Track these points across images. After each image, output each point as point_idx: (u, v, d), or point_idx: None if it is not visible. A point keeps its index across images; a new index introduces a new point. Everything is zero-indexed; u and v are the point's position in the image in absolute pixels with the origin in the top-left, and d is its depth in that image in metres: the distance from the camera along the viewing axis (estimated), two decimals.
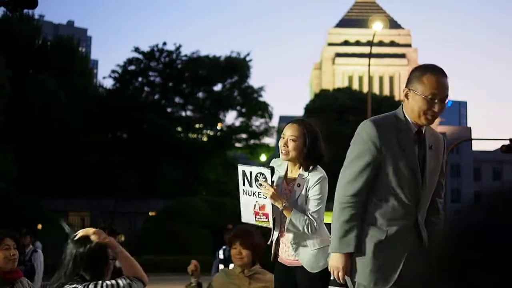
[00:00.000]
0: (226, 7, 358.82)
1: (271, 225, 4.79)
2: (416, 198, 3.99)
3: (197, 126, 53.85)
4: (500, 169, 74.90)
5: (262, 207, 4.81)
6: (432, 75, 3.95)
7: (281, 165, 4.93)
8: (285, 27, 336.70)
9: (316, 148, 4.76)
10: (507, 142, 25.20)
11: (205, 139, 53.90)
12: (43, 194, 38.20)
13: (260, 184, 4.77)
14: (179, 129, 52.91)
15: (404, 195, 3.97)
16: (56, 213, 35.28)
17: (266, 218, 4.79)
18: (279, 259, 4.93)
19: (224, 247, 11.52)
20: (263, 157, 46.98)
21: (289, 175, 4.88)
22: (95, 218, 42.73)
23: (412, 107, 3.98)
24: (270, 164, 4.95)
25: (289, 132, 4.80)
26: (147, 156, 46.84)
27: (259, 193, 4.81)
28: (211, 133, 54.45)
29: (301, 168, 4.80)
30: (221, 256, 11.52)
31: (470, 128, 76.72)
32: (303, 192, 4.73)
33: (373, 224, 3.99)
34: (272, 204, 4.73)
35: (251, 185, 4.86)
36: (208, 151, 50.19)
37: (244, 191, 4.91)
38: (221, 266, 11.42)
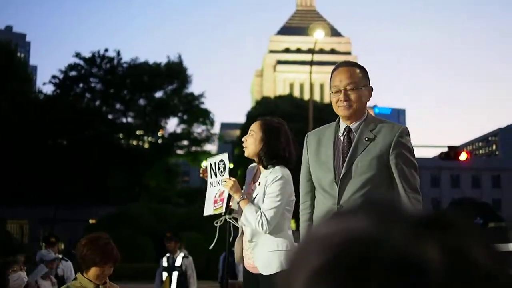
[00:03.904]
0: (166, 14, 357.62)
1: (223, 209, 4.72)
2: (336, 191, 4.01)
3: (138, 132, 53.37)
4: (439, 175, 76.35)
5: (221, 193, 4.80)
6: (335, 71, 4.14)
7: (254, 166, 4.89)
8: (226, 34, 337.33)
9: (273, 144, 4.65)
10: (446, 149, 25.76)
11: (146, 146, 53.49)
12: None
13: (221, 172, 4.83)
14: (120, 135, 52.39)
15: (324, 191, 4.08)
16: None
17: (222, 203, 4.75)
18: (245, 265, 4.75)
19: (168, 255, 11.45)
20: (204, 164, 46.82)
21: (258, 174, 4.78)
22: (34, 226, 41.95)
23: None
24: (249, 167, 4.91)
25: (251, 127, 4.79)
26: (89, 163, 46.20)
27: (222, 181, 4.80)
28: (153, 140, 54.03)
29: (263, 166, 4.71)
30: (164, 264, 11.42)
31: None
32: (262, 191, 4.59)
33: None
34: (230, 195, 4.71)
35: (216, 175, 4.91)
36: (149, 158, 49.82)
37: (211, 184, 4.95)
38: (165, 274, 11.37)
